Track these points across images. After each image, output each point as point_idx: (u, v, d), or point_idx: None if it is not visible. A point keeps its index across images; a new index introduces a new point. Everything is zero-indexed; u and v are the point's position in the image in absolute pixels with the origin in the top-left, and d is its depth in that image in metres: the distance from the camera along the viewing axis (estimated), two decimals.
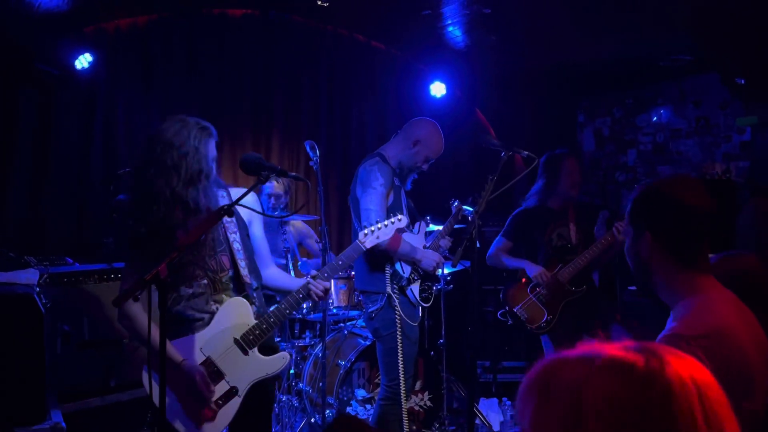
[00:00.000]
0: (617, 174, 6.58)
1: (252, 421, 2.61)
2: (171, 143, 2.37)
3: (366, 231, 2.52)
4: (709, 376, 0.86)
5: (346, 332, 4.53)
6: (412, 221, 3.63)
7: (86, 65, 4.70)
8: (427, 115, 6.31)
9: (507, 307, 4.11)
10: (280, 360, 2.57)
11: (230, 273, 2.55)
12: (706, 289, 1.69)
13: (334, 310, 4.54)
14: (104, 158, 4.93)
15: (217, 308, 2.51)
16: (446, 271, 4.29)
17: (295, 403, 4.40)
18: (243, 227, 2.64)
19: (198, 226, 2.07)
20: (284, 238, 4.42)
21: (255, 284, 2.64)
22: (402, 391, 3.41)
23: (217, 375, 2.48)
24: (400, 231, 3.31)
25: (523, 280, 4.11)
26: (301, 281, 2.66)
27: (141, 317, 2.42)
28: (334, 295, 4.57)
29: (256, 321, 2.52)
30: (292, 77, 5.97)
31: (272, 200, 4.84)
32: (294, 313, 2.59)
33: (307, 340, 4.67)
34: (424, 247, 3.52)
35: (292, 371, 4.52)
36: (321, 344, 4.15)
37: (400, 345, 3.39)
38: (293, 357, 4.51)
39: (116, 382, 3.53)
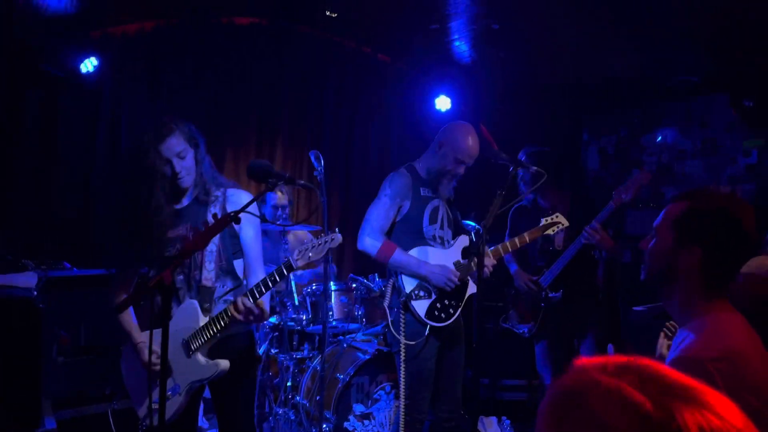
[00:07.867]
0: None
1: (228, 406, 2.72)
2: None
3: (302, 249, 2.47)
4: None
5: (345, 345, 4.46)
6: (455, 234, 3.50)
7: (91, 69, 4.68)
8: (430, 129, 6.35)
9: (506, 313, 4.17)
10: (213, 367, 2.59)
11: (197, 273, 2.59)
12: (719, 310, 1.67)
13: (334, 323, 4.48)
14: (109, 163, 4.90)
15: None
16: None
17: (292, 416, 4.33)
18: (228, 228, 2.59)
19: (204, 232, 2.03)
20: (285, 248, 4.38)
21: (224, 288, 2.64)
22: (401, 411, 3.34)
23: (168, 371, 2.56)
24: (429, 241, 3.33)
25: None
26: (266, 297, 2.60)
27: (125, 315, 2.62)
28: (334, 308, 4.52)
29: (201, 326, 2.56)
30: (299, 87, 5.96)
31: (278, 211, 4.79)
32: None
33: (306, 352, 4.61)
34: (456, 263, 3.35)
35: (289, 383, 4.45)
36: (320, 357, 4.09)
37: (403, 365, 3.30)
38: (291, 369, 4.45)
39: (111, 389, 3.47)
